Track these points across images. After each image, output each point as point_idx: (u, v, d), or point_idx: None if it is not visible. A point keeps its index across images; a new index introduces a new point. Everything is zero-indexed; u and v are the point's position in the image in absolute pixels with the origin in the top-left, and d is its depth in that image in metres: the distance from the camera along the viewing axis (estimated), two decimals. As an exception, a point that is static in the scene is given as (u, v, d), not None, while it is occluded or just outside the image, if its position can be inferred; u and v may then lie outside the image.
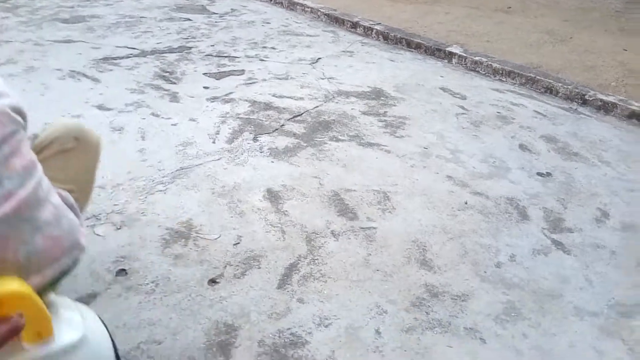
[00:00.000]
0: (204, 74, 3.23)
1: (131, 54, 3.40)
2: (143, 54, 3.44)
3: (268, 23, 4.43)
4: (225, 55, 3.57)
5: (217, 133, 2.52)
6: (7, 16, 3.98)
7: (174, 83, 3.05)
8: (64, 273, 0.96)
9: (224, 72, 3.29)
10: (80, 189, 1.16)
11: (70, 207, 0.99)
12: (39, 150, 1.13)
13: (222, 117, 2.68)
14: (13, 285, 0.87)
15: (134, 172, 2.13)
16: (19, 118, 0.88)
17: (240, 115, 2.71)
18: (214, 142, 2.43)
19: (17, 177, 0.88)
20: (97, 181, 2.01)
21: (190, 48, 3.63)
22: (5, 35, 3.51)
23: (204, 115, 2.68)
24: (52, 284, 0.95)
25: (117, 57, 3.33)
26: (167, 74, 3.16)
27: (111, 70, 3.14)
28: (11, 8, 4.15)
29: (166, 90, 2.95)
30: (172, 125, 2.56)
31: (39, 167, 0.92)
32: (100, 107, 2.66)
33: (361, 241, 1.82)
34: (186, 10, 4.50)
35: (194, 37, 3.88)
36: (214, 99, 2.90)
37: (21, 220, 0.88)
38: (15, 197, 0.87)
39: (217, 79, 3.17)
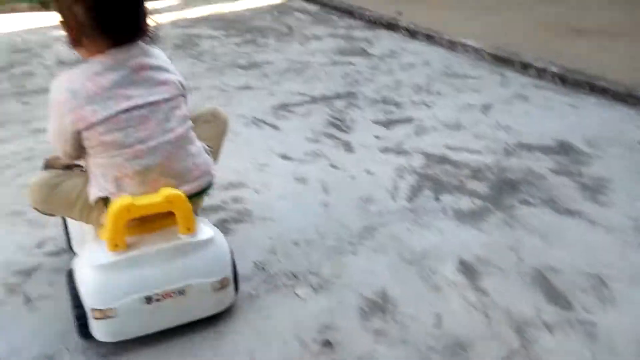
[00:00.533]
0: (372, 121, 3.24)
1: (303, 101, 3.57)
2: (313, 100, 3.58)
3: (428, 65, 4.35)
4: (390, 101, 3.56)
5: (396, 189, 2.47)
6: (195, 62, 4.49)
7: (346, 132, 3.10)
8: (202, 190, 1.61)
9: (392, 119, 3.27)
10: (213, 147, 1.74)
11: (207, 152, 1.65)
12: (192, 119, 1.63)
13: (398, 170, 2.63)
14: (177, 191, 1.45)
15: (322, 228, 2.16)
16: (182, 89, 1.54)
17: (416, 170, 2.63)
18: (393, 199, 2.38)
19: (176, 120, 1.50)
20: (291, 236, 2.11)
21: (355, 93, 3.70)
22: (195, 81, 3.94)
23: (380, 168, 2.66)
24: (195, 197, 1.57)
25: (291, 104, 3.52)
26: (338, 122, 3.23)
27: (287, 117, 3.31)
28: (197, 55, 4.69)
29: (339, 139, 3.01)
30: (350, 177, 2.58)
31: (190, 122, 1.58)
32: (283, 157, 2.80)
33: (581, 338, 1.58)
34: (348, 53, 4.63)
35: (357, 82, 3.95)
36: (385, 149, 2.87)
37: (180, 147, 1.51)
38: (176, 131, 1.49)
39: (386, 128, 3.16)
